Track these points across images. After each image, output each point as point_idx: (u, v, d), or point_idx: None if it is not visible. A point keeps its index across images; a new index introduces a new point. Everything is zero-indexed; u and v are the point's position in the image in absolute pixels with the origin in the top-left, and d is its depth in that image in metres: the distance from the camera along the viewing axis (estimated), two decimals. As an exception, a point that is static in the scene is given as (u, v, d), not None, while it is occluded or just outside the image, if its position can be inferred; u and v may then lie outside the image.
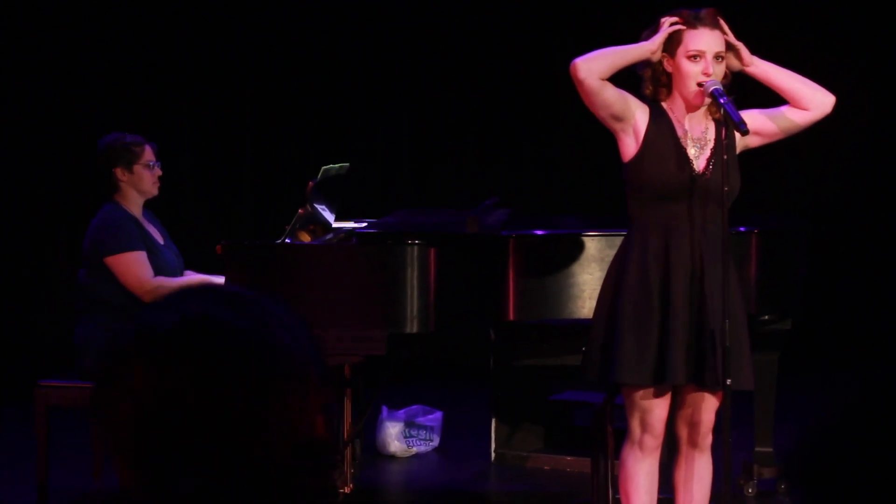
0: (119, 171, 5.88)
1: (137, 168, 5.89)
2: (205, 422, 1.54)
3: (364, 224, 6.17)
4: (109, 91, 8.79)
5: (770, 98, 4.75)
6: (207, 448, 1.55)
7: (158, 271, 5.81)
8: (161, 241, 5.97)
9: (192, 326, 1.56)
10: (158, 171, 5.95)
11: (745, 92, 4.74)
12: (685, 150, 4.64)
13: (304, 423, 1.57)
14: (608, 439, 5.42)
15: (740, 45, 4.64)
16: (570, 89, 4.58)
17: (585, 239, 5.49)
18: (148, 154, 5.93)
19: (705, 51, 4.56)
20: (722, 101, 4.52)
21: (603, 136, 4.78)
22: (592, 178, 8.98)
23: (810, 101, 4.68)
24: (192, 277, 6.08)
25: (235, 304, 1.59)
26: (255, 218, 9.08)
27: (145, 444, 1.56)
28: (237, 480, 1.56)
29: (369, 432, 6.92)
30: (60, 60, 8.75)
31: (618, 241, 4.87)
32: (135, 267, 5.75)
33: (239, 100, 9.10)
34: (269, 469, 1.56)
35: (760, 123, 4.69)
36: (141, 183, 5.90)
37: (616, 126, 4.66)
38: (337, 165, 6.24)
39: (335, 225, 6.19)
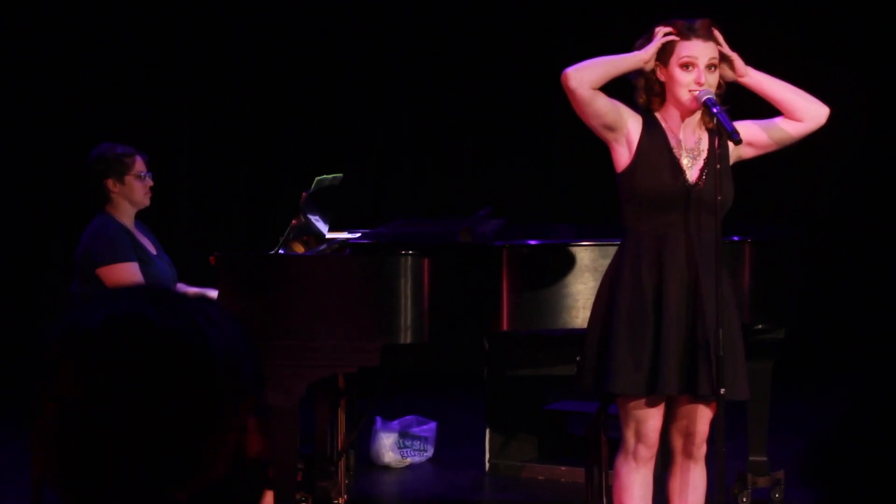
0: (110, 183, 5.87)
1: (129, 179, 5.88)
2: (130, 422, 1.50)
3: (358, 234, 6.16)
4: (102, 101, 8.79)
5: (765, 109, 4.75)
6: (132, 450, 1.50)
7: (151, 281, 5.80)
8: (153, 251, 5.97)
9: (119, 324, 1.52)
10: (150, 182, 5.94)
11: (739, 103, 4.74)
12: (678, 160, 4.63)
13: (235, 425, 1.54)
14: (602, 449, 5.42)
15: (734, 56, 4.63)
16: (566, 98, 4.58)
17: (579, 249, 5.49)
18: (139, 165, 5.91)
19: (698, 60, 4.56)
20: (715, 110, 4.52)
21: (599, 144, 4.78)
22: (588, 186, 8.98)
23: (804, 112, 4.68)
24: (185, 291, 6.07)
25: (165, 303, 1.55)
26: (248, 229, 9.08)
27: (69, 444, 1.51)
28: (162, 488, 1.51)
29: (363, 443, 6.92)
30: (55, 72, 8.75)
31: (612, 250, 4.87)
32: (127, 278, 5.74)
33: (232, 111, 9.10)
34: (198, 477, 1.52)
35: (754, 134, 4.68)
36: (132, 194, 5.89)
37: (608, 136, 4.66)
38: (330, 176, 6.23)
39: (329, 235, 6.19)
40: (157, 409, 1.50)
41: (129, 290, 1.56)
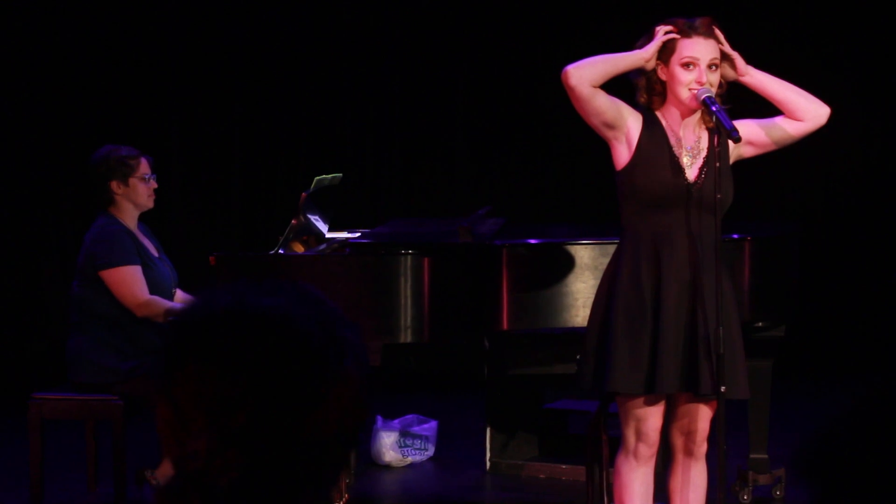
0: (115, 185, 5.87)
1: (133, 181, 5.88)
2: (255, 405, 1.64)
3: (357, 234, 6.17)
4: (100, 103, 8.79)
5: (765, 108, 4.74)
6: (254, 431, 1.64)
7: (153, 284, 5.80)
8: (155, 254, 5.96)
9: (272, 319, 1.67)
10: (154, 184, 5.94)
11: (742, 102, 4.73)
12: (678, 158, 4.63)
13: (328, 443, 1.68)
14: (603, 447, 5.43)
15: (735, 55, 4.63)
16: (565, 96, 4.58)
17: (578, 247, 5.49)
18: (143, 167, 5.91)
19: (699, 59, 4.56)
20: (714, 108, 4.52)
21: (598, 143, 4.78)
22: (587, 185, 8.98)
23: (805, 112, 4.68)
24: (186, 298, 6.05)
25: (321, 316, 1.69)
26: (247, 229, 9.08)
27: (207, 421, 1.65)
28: (279, 467, 1.66)
29: (364, 442, 6.92)
30: (52, 74, 8.75)
31: (611, 249, 4.87)
32: (129, 281, 5.74)
33: (230, 111, 9.10)
34: (306, 460, 1.67)
35: (754, 133, 4.68)
36: (136, 196, 5.89)
37: (608, 134, 4.66)
38: (330, 176, 6.24)
39: (328, 235, 6.19)
40: (278, 395, 1.64)
41: (269, 283, 1.72)
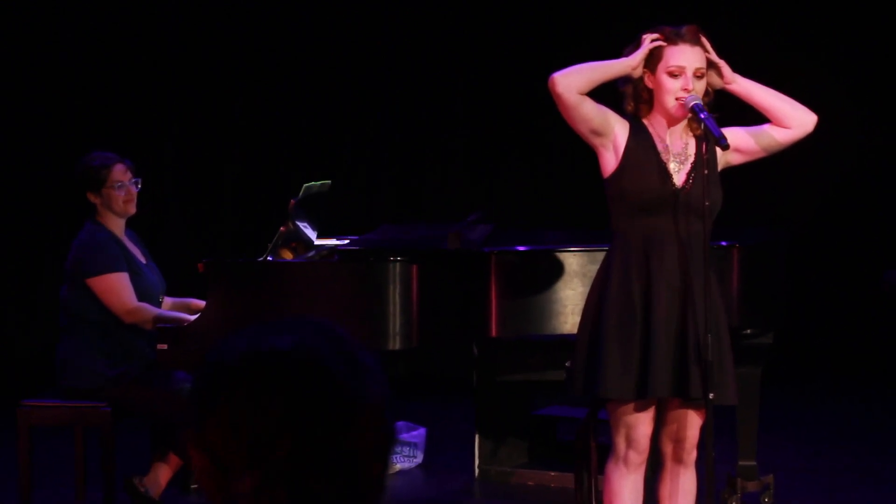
0: (90, 196, 5.87)
1: (105, 191, 5.86)
2: (292, 437, 1.67)
3: (346, 241, 6.16)
4: (91, 106, 8.79)
5: (751, 116, 4.75)
6: (295, 463, 1.67)
7: (141, 291, 5.79)
8: (143, 261, 5.95)
9: (297, 357, 1.70)
10: (132, 189, 5.89)
11: (730, 110, 4.74)
12: (665, 164, 4.64)
13: (362, 466, 1.71)
14: (592, 454, 5.43)
15: (722, 63, 4.64)
16: (555, 103, 4.58)
17: (567, 254, 5.49)
18: (116, 174, 5.86)
19: (685, 67, 4.57)
20: (702, 115, 4.53)
21: (588, 150, 4.78)
22: (577, 192, 8.99)
23: (791, 119, 4.69)
24: (174, 308, 6.02)
25: (341, 348, 1.73)
26: (236, 236, 9.07)
27: (248, 460, 1.67)
28: (322, 495, 1.68)
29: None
30: (49, 76, 8.75)
31: (600, 256, 4.88)
32: (117, 288, 5.73)
33: (221, 117, 9.10)
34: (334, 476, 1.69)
35: (742, 140, 4.69)
36: (112, 204, 5.86)
37: (595, 141, 4.66)
38: (319, 182, 6.23)
39: (317, 242, 6.18)
40: (305, 439, 1.68)
41: (315, 326, 1.75)
